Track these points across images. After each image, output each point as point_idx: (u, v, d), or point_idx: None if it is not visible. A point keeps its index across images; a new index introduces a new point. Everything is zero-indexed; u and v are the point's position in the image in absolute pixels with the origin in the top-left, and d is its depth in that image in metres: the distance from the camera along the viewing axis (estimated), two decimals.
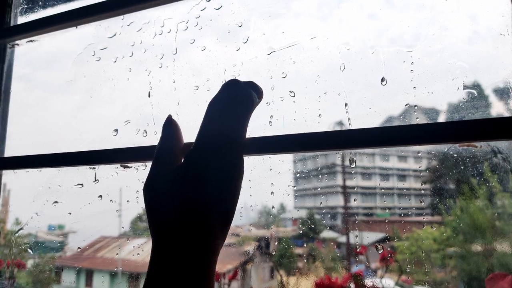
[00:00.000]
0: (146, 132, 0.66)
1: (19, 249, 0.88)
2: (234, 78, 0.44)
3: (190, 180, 0.38)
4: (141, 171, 0.65)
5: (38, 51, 0.80)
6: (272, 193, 0.55)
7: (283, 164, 0.55)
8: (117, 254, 0.89)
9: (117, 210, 0.67)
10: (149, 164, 0.65)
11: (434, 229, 0.67)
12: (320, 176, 0.57)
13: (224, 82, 0.63)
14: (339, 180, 0.60)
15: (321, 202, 0.58)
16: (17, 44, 0.83)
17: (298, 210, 0.60)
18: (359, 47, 0.53)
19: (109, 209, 0.66)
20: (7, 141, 0.80)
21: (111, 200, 0.67)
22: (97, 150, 0.65)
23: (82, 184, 0.70)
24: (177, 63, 0.65)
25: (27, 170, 0.75)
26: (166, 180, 0.40)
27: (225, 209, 0.38)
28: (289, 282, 0.84)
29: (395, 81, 0.51)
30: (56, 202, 0.71)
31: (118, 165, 0.67)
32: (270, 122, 0.57)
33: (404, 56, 0.50)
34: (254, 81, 0.45)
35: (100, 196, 0.67)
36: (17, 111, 0.80)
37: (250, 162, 0.58)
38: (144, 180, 0.42)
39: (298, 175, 0.59)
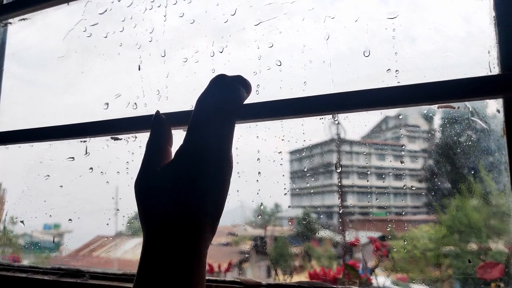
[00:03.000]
0: (136, 104, 0.67)
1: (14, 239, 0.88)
2: (221, 74, 0.44)
3: (180, 177, 0.39)
4: (131, 143, 0.66)
5: (31, 29, 0.81)
6: (258, 159, 0.56)
7: (269, 131, 0.56)
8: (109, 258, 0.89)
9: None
10: (139, 135, 0.66)
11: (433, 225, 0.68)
12: (316, 176, 0.58)
13: (212, 54, 0.64)
14: (335, 179, 0.61)
15: (322, 201, 0.59)
16: (10, 23, 0.83)
17: (290, 219, 0.61)
18: (343, 16, 0.54)
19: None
20: (0, 117, 0.81)
21: (101, 172, 0.67)
22: (88, 122, 0.65)
23: (73, 158, 0.70)
24: (167, 36, 0.66)
25: (19, 145, 0.75)
26: (157, 177, 0.41)
27: (215, 205, 0.39)
28: (285, 280, 0.85)
29: (377, 47, 0.52)
30: (47, 176, 0.72)
31: (109, 138, 0.68)
32: (257, 91, 0.58)
33: (386, 23, 0.51)
34: (242, 75, 0.45)
35: (91, 168, 0.68)
36: (10, 88, 0.81)
37: (237, 130, 0.59)
38: (135, 177, 0.43)
39: (294, 174, 0.60)
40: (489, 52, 0.47)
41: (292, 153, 0.60)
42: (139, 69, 0.67)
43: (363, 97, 0.48)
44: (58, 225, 0.75)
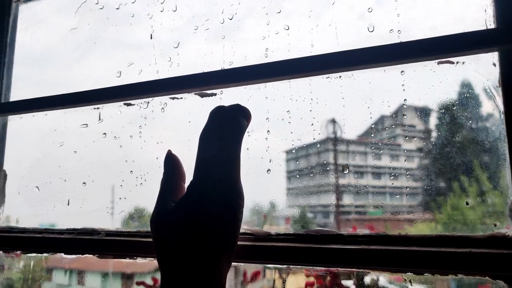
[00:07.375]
0: (148, 73, 0.69)
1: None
2: (219, 106, 0.46)
3: (191, 212, 0.41)
4: (143, 108, 0.69)
5: (43, 4, 0.83)
6: (267, 119, 0.59)
7: (277, 92, 0.59)
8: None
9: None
10: (151, 101, 0.69)
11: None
12: (312, 175, 0.61)
13: (222, 21, 0.67)
14: (331, 179, 0.64)
15: (318, 199, 0.61)
16: None
17: (286, 221, 0.64)
18: None
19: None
20: (13, 90, 0.84)
21: (115, 137, 0.70)
22: (101, 88, 0.68)
23: (86, 124, 0.73)
24: (178, 5, 0.68)
25: (33, 114, 0.78)
26: (170, 213, 0.42)
27: (227, 236, 0.41)
28: (283, 279, 0.87)
29: (381, 9, 0.55)
30: (62, 142, 0.75)
31: (122, 104, 0.70)
32: (266, 54, 0.61)
33: None
34: (240, 104, 0.46)
35: (104, 133, 0.71)
36: (23, 61, 0.83)
37: (247, 92, 0.62)
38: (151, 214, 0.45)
39: (291, 174, 0.62)
40: (485, 11, 0.50)
41: (288, 152, 0.63)
42: (151, 38, 0.70)
43: (366, 54, 0.51)
44: (53, 225, 0.77)
